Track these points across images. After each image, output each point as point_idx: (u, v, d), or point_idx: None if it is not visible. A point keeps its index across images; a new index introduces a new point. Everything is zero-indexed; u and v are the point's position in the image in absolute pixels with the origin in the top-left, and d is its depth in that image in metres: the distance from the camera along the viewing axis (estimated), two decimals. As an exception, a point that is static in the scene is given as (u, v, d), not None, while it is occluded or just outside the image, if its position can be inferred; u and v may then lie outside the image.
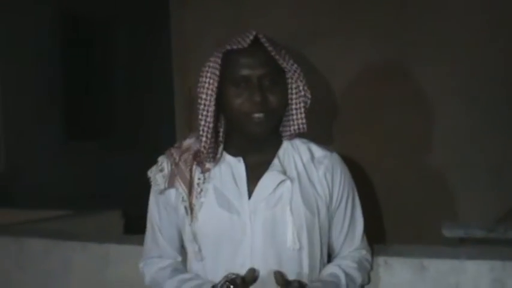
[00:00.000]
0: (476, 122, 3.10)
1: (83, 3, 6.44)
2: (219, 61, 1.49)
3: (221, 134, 1.59)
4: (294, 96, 1.56)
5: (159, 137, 6.25)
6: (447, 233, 2.07)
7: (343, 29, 3.37)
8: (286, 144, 1.61)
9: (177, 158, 1.60)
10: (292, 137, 1.61)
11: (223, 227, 1.52)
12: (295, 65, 1.52)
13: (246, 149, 1.58)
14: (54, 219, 3.57)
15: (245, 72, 1.47)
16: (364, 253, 1.68)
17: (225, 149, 1.60)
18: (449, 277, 1.76)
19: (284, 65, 1.50)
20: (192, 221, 1.55)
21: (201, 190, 1.56)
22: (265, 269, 1.49)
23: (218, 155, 1.58)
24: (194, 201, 1.55)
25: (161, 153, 1.66)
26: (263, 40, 1.47)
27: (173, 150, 1.64)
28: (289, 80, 1.54)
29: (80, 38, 6.73)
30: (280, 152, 1.59)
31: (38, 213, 3.74)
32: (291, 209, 1.50)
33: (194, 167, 1.58)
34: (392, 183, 2.73)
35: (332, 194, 1.58)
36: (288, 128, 1.59)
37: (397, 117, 3.16)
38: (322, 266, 1.60)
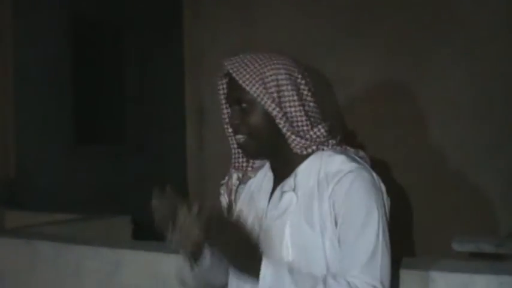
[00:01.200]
0: (486, 137, 3.12)
1: (96, 8, 6.49)
2: (223, 84, 1.63)
3: None
4: (277, 117, 1.55)
5: (169, 145, 6.29)
6: (457, 247, 2.08)
7: (351, 46, 3.41)
8: (313, 157, 1.57)
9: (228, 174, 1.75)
10: (303, 151, 1.57)
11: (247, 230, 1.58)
12: (259, 91, 1.51)
13: (273, 162, 1.64)
14: (64, 223, 3.60)
15: (228, 95, 1.60)
16: (364, 283, 1.41)
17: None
18: (458, 291, 1.77)
19: (247, 90, 1.51)
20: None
21: (235, 196, 1.69)
22: None
23: (256, 164, 1.68)
24: (233, 204, 1.69)
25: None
26: (229, 68, 1.53)
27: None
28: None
29: (91, 43, 6.77)
30: (302, 166, 1.58)
31: (48, 216, 3.78)
32: (289, 222, 1.52)
33: (231, 173, 1.70)
34: (403, 198, 2.74)
35: (338, 212, 1.48)
36: (292, 146, 1.57)
37: (407, 132, 3.19)
38: None
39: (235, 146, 1.66)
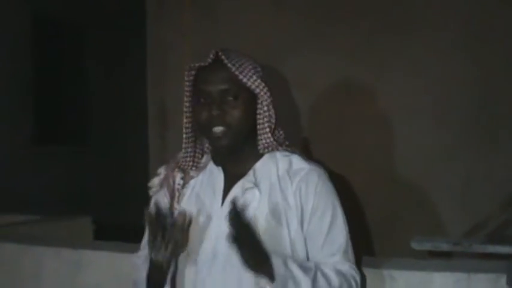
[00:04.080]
0: (445, 139, 3.20)
1: (59, 7, 6.41)
2: (190, 77, 1.60)
3: (207, 144, 1.69)
4: (260, 112, 1.60)
5: (131, 145, 6.24)
6: (416, 246, 2.14)
7: (314, 46, 3.44)
8: (266, 157, 1.63)
9: (171, 165, 1.71)
10: (266, 150, 1.62)
11: (195, 230, 1.59)
12: (258, 82, 1.56)
13: (226, 160, 1.64)
14: (22, 224, 3.55)
15: (206, 87, 1.55)
16: (346, 267, 1.58)
17: (212, 158, 1.68)
18: (417, 288, 1.82)
19: (245, 81, 1.54)
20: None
21: (179, 195, 1.65)
22: (226, 272, 1.55)
23: (202, 164, 1.67)
24: (175, 205, 1.64)
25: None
26: (223, 58, 1.53)
27: (171, 159, 1.74)
28: (257, 96, 1.59)
29: (53, 42, 6.68)
30: (258, 164, 1.63)
31: (5, 217, 3.71)
32: (254, 217, 1.54)
33: (176, 173, 1.67)
34: (362, 197, 2.79)
35: (306, 206, 1.58)
36: (259, 143, 1.62)
37: (367, 133, 3.24)
38: None
39: (189, 143, 1.64)
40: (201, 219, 1.61)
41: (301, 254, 1.57)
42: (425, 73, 3.31)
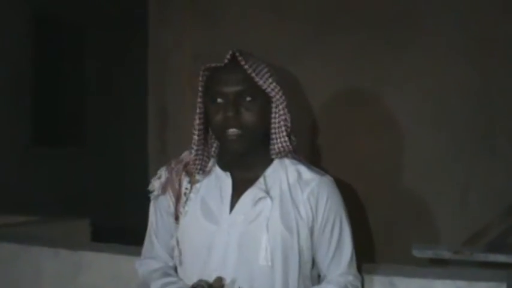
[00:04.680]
0: (443, 147, 3.19)
1: (59, 8, 6.40)
2: (204, 78, 1.58)
3: (214, 148, 1.68)
4: (275, 115, 1.59)
5: (129, 148, 6.23)
6: (417, 253, 2.14)
7: (314, 53, 3.44)
8: (276, 163, 1.62)
9: (173, 168, 1.68)
10: (279, 155, 1.61)
11: (202, 236, 1.59)
12: (274, 85, 1.54)
13: (234, 165, 1.63)
14: (20, 225, 3.54)
15: (222, 88, 1.52)
16: (351, 279, 1.64)
17: (218, 162, 1.66)
18: (417, 295, 1.82)
19: (261, 83, 1.53)
20: (177, 227, 1.64)
21: (187, 199, 1.64)
22: (235, 282, 1.54)
23: (208, 168, 1.65)
24: (181, 209, 1.63)
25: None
26: (240, 59, 1.51)
27: (173, 161, 1.71)
28: (272, 100, 1.58)
29: (53, 42, 6.68)
30: (268, 170, 1.62)
31: (3, 218, 3.70)
32: (267, 226, 1.54)
33: (183, 177, 1.65)
34: (364, 204, 2.79)
35: (316, 217, 1.58)
36: (273, 147, 1.61)
37: (369, 140, 3.24)
38: (304, 286, 1.61)
39: (200, 146, 1.60)
40: (208, 225, 1.59)
41: (308, 266, 1.61)
42: (425, 80, 3.31)
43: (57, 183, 6.26)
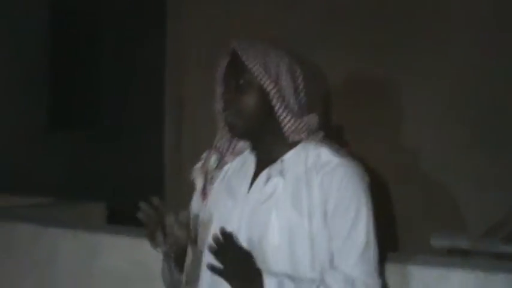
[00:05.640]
0: (461, 141, 3.19)
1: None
2: (223, 61, 1.63)
3: None
4: (276, 101, 1.58)
5: (146, 133, 6.25)
6: (435, 243, 2.13)
7: (331, 45, 3.43)
8: (299, 147, 1.61)
9: (208, 151, 1.74)
10: (292, 137, 1.60)
11: (221, 211, 1.62)
12: (259, 71, 1.56)
13: (257, 147, 1.65)
14: (37, 206, 3.57)
15: (226, 74, 1.61)
16: (361, 275, 1.51)
17: (250, 145, 1.69)
18: (434, 285, 1.81)
19: (250, 67, 1.56)
20: (204, 205, 1.68)
21: (212, 177, 1.68)
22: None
23: (240, 149, 1.70)
24: (208, 186, 1.68)
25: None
26: (237, 49, 1.58)
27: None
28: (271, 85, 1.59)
29: (68, 28, 6.70)
30: (289, 154, 1.61)
31: (20, 200, 3.73)
32: (276, 206, 1.54)
33: (211, 154, 1.70)
34: (383, 196, 2.79)
35: (327, 202, 1.53)
36: (284, 129, 1.60)
37: (382, 135, 3.25)
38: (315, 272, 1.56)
39: (223, 124, 1.66)
40: (229, 203, 1.62)
41: (322, 251, 1.53)
42: (442, 73, 3.30)
43: (73, 166, 6.31)
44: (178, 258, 1.60)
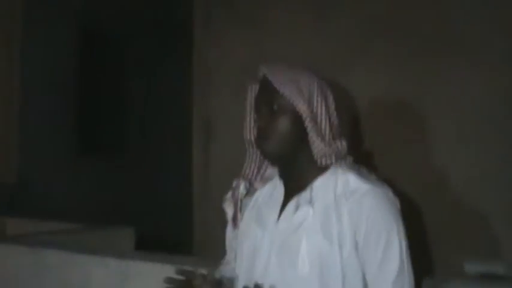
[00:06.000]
0: (493, 160, 3.14)
1: (104, 19, 6.52)
2: (251, 93, 1.66)
3: None
4: (309, 125, 1.59)
5: (174, 158, 6.29)
6: (469, 268, 2.08)
7: (360, 65, 3.43)
8: (328, 173, 1.60)
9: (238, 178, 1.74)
10: (322, 162, 1.59)
11: (251, 240, 1.61)
12: (294, 93, 1.57)
13: (285, 174, 1.64)
14: (66, 232, 3.58)
15: (256, 100, 1.62)
16: None
17: (278, 171, 1.68)
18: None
19: (282, 92, 1.56)
20: (236, 233, 1.69)
21: (241, 204, 1.68)
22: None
23: (269, 176, 1.69)
24: (238, 215, 1.68)
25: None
26: (268, 74, 1.58)
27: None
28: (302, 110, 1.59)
29: (98, 52, 6.79)
30: (318, 181, 1.60)
31: (49, 225, 3.76)
32: (306, 236, 1.53)
33: (240, 182, 1.69)
34: (413, 215, 2.75)
35: (357, 230, 1.52)
36: (314, 153, 1.60)
37: (418, 149, 3.21)
38: None
39: (252, 151, 1.67)
40: (258, 231, 1.61)
41: (354, 281, 1.52)
42: (472, 91, 3.26)
43: (101, 192, 6.35)
44: None
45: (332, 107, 1.62)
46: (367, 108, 3.24)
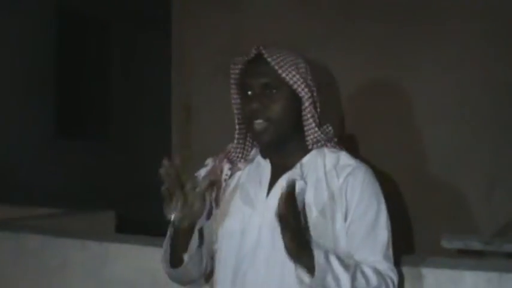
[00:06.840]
0: (471, 138, 3.16)
1: (83, 2, 6.44)
2: (235, 71, 1.63)
3: None
4: (304, 108, 1.60)
5: (153, 141, 6.27)
6: (446, 244, 2.11)
7: (340, 46, 3.42)
8: (314, 152, 1.64)
9: (218, 157, 1.73)
10: (315, 146, 1.63)
11: (238, 219, 1.62)
12: (296, 78, 1.56)
13: (273, 153, 1.65)
14: (46, 217, 3.57)
15: (249, 81, 1.58)
16: (388, 271, 1.56)
17: (260, 151, 1.70)
18: (447, 286, 1.80)
19: (283, 76, 1.55)
20: (216, 213, 1.67)
21: (226, 185, 1.67)
22: (269, 265, 1.55)
23: (251, 157, 1.70)
24: (221, 195, 1.67)
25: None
26: (264, 52, 1.56)
27: (221, 152, 1.75)
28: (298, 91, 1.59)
29: (77, 36, 6.72)
30: (306, 158, 1.63)
31: (29, 210, 3.74)
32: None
33: (224, 164, 1.69)
34: (391, 193, 2.77)
35: (349, 202, 1.56)
36: (307, 138, 1.63)
37: (397, 131, 3.22)
38: None
39: (241, 135, 1.67)
40: (245, 209, 1.62)
41: (344, 251, 1.55)
42: (452, 73, 3.28)
43: (81, 176, 6.32)
44: (185, 233, 1.57)
45: (315, 94, 1.62)
46: (346, 88, 3.24)
